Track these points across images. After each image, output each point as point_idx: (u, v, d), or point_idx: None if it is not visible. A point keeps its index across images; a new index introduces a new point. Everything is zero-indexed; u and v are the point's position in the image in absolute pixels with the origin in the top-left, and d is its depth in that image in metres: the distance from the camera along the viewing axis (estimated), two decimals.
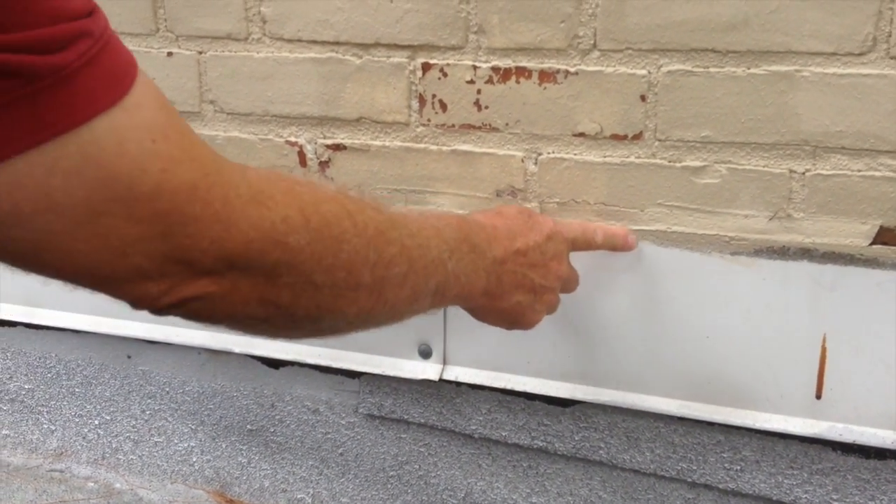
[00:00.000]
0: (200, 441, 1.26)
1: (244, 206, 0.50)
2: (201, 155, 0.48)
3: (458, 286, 0.70)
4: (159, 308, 0.50)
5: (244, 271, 0.51)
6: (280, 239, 0.51)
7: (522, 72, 0.91)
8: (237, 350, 1.15)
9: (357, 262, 0.57)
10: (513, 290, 0.78)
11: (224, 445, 1.25)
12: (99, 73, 0.42)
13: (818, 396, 0.92)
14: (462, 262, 0.70)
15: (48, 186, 0.42)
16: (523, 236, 0.79)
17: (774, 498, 0.98)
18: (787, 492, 0.97)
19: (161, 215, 0.46)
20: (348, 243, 0.56)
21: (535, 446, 1.07)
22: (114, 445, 1.30)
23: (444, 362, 1.06)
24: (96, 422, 1.30)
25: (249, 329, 0.57)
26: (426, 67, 0.95)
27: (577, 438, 1.04)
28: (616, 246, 0.91)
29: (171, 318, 1.19)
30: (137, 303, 0.50)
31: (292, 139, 1.03)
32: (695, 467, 1.00)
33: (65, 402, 1.31)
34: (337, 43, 0.97)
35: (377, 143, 0.99)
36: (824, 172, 0.85)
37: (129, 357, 1.25)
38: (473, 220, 0.77)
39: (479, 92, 0.93)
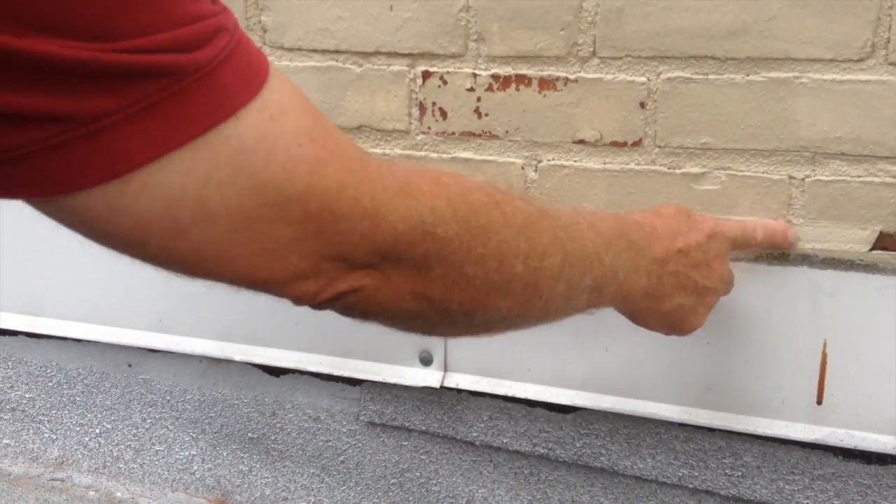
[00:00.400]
0: (201, 449, 1.26)
1: (392, 199, 0.50)
2: (347, 153, 0.49)
3: (615, 284, 0.67)
4: (317, 303, 0.52)
5: (395, 264, 0.52)
6: (429, 230, 0.52)
7: (522, 79, 0.92)
8: (238, 358, 1.15)
9: (508, 253, 0.56)
10: (675, 292, 0.75)
11: (225, 454, 1.24)
12: (237, 68, 0.44)
13: (819, 402, 0.92)
14: (620, 259, 0.67)
15: (203, 198, 0.43)
16: (684, 235, 0.76)
17: None
18: (789, 498, 0.97)
19: (312, 216, 0.47)
20: (497, 233, 0.56)
21: (536, 453, 1.07)
22: (115, 454, 1.30)
23: (445, 369, 1.06)
24: (97, 430, 1.30)
25: (405, 325, 0.57)
26: (426, 75, 0.95)
27: (578, 445, 1.04)
28: (776, 243, 0.87)
29: (171, 327, 1.19)
30: (297, 300, 0.52)
31: None
32: (696, 473, 1.00)
33: (66, 411, 1.31)
34: (337, 51, 0.97)
35: (378, 150, 1.00)
36: (824, 178, 0.85)
37: (129, 365, 1.25)
38: (630, 218, 0.74)
39: (479, 100, 0.94)
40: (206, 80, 0.42)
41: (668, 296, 0.75)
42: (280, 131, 0.45)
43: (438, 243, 0.52)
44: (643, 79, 0.88)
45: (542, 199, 0.64)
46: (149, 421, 1.27)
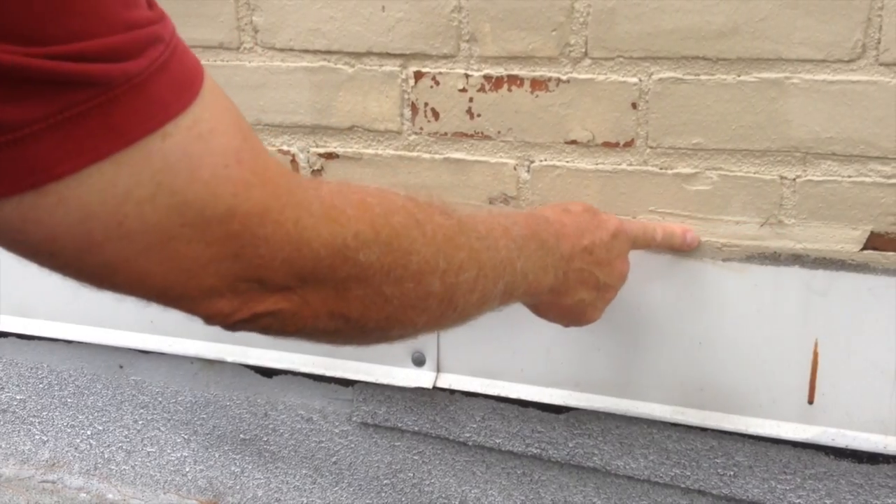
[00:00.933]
0: (193, 451, 1.25)
1: (316, 224, 0.50)
2: (274, 177, 0.48)
3: (525, 284, 0.70)
4: (231, 324, 0.51)
5: (314, 286, 0.51)
6: (350, 255, 0.52)
7: (514, 80, 0.92)
8: (230, 359, 1.15)
9: (426, 272, 0.57)
10: (578, 288, 0.78)
11: (217, 455, 1.24)
12: (170, 79, 0.42)
13: (810, 401, 0.92)
14: (530, 261, 0.70)
15: (121, 215, 0.42)
16: (591, 233, 0.79)
17: (767, 503, 0.98)
18: (781, 497, 0.97)
19: (232, 238, 0.46)
20: (417, 254, 0.56)
21: (529, 453, 1.07)
22: (106, 456, 1.30)
23: (438, 370, 1.06)
24: (88, 432, 1.30)
25: (319, 340, 0.57)
26: (418, 76, 0.95)
27: (570, 445, 1.04)
28: (674, 245, 0.90)
29: (162, 328, 1.18)
30: (209, 319, 0.50)
31: (285, 148, 1.03)
32: (688, 473, 1.01)
33: (57, 413, 1.31)
34: (329, 52, 0.97)
35: (370, 151, 1.00)
36: (815, 178, 0.86)
37: (121, 367, 1.24)
38: (541, 216, 0.77)
39: (471, 100, 0.94)
40: (134, 91, 0.40)
41: (571, 291, 0.78)
42: (207, 150, 0.44)
43: (358, 267, 0.52)
44: (635, 79, 0.88)
45: (461, 206, 0.65)
46: (140, 422, 1.26)
